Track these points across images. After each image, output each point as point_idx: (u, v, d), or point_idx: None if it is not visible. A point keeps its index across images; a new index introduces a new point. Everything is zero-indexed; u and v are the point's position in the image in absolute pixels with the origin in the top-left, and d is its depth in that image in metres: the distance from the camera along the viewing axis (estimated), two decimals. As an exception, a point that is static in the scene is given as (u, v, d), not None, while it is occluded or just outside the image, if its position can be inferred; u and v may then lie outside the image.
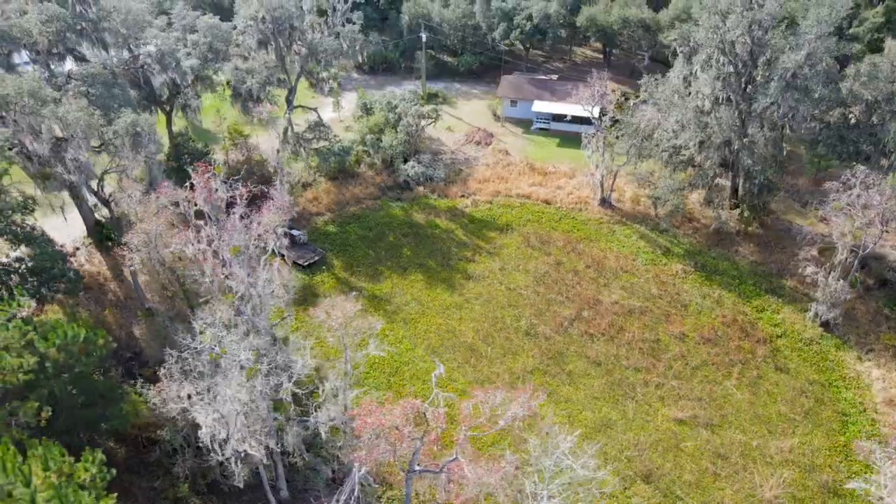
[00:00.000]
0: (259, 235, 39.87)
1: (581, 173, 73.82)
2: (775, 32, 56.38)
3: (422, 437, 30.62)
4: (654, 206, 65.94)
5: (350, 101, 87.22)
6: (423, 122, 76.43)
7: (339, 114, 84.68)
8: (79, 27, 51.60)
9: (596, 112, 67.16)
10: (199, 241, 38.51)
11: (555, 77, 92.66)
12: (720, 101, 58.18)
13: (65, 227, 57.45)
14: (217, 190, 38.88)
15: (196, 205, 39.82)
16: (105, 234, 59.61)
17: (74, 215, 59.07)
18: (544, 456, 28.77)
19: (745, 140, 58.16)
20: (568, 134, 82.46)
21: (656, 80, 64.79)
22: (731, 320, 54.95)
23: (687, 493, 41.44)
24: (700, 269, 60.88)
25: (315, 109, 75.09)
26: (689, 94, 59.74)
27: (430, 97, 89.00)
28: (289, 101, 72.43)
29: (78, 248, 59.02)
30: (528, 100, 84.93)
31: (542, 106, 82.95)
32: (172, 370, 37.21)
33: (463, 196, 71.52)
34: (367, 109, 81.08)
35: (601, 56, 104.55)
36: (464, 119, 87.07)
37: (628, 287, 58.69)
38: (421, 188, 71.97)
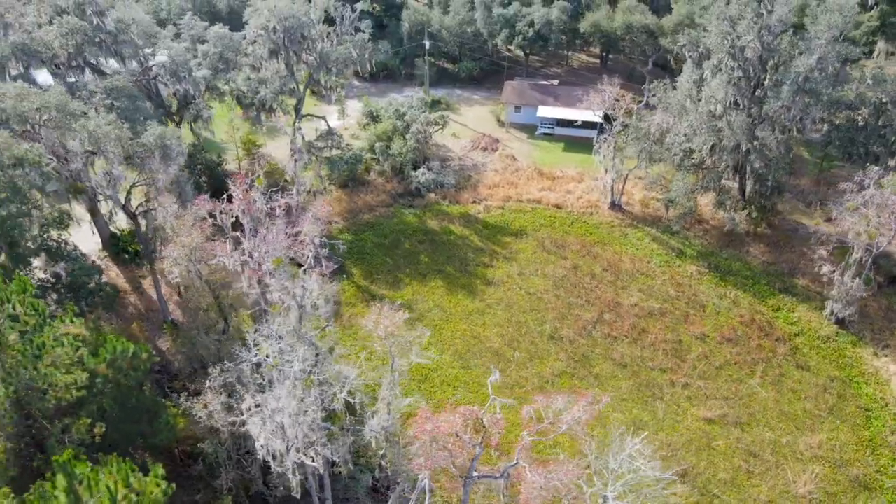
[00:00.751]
0: (289, 246, 40.18)
1: (589, 177, 74.72)
2: (783, 37, 57.63)
3: (480, 443, 30.95)
4: (666, 209, 66.91)
5: (353, 109, 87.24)
6: (431, 129, 76.90)
7: (345, 122, 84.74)
8: (97, 39, 51.30)
9: (604, 117, 68.05)
10: (241, 254, 38.61)
11: (556, 82, 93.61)
12: (731, 105, 59.25)
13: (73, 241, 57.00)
14: (256, 201, 39.00)
15: (234, 217, 39.92)
16: (121, 247, 59.24)
17: (86, 229, 58.61)
18: (610, 458, 29.28)
19: (755, 143, 59.30)
20: (573, 138, 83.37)
21: (665, 84, 65.90)
22: (749, 320, 56.00)
23: (723, 491, 42.23)
24: (714, 270, 61.92)
25: (323, 118, 75.16)
26: (701, 98, 60.74)
27: (434, 104, 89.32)
28: (297, 110, 72.46)
29: (94, 262, 58.45)
30: (531, 105, 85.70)
31: (547, 111, 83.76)
32: (216, 383, 37.42)
33: (475, 202, 72.00)
34: (373, 117, 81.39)
35: (598, 61, 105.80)
36: (468, 125, 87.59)
37: (646, 289, 59.52)
38: (432, 195, 72.30)
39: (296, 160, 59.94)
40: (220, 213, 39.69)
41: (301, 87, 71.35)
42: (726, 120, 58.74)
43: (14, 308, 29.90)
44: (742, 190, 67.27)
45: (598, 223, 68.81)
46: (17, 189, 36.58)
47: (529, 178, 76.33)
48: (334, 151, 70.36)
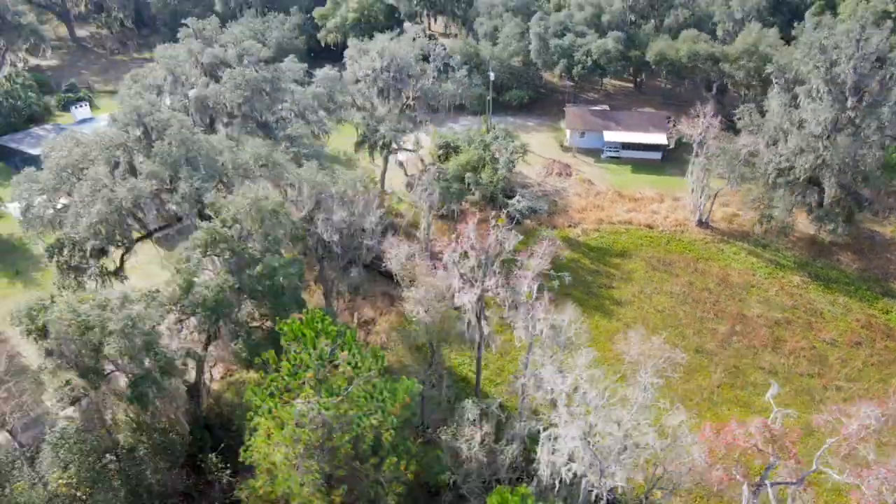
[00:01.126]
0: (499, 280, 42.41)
1: (669, 197, 78.92)
2: (875, 65, 63.05)
3: (775, 453, 33.79)
4: (760, 224, 71.30)
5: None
6: (515, 158, 79.88)
7: (419, 153, 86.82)
8: (261, 89, 52.53)
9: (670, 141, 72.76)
10: (480, 289, 40.61)
11: (607, 107, 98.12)
12: (829, 126, 64.28)
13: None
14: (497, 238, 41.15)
15: (467, 255, 41.93)
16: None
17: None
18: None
19: (852, 161, 64.39)
20: (639, 161, 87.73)
21: (750, 109, 70.88)
22: (867, 323, 60.64)
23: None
24: (816, 279, 66.57)
25: (415, 150, 77.35)
26: (799, 120, 65.62)
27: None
28: (396, 144, 74.56)
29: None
30: (595, 130, 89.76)
31: (614, 135, 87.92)
32: (470, 415, 39.28)
33: (570, 226, 75.13)
34: (449, 147, 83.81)
35: (631, 85, 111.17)
36: (535, 152, 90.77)
37: (763, 301, 63.61)
38: (528, 221, 75.06)
39: (429, 193, 62.02)
40: (454, 251, 41.62)
41: (403, 123, 73.53)
42: (827, 141, 63.69)
43: (354, 356, 31.26)
44: (820, 203, 72.47)
45: (692, 240, 72.84)
46: (277, 240, 37.78)
47: (612, 200, 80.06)
48: (442, 183, 72.52)
